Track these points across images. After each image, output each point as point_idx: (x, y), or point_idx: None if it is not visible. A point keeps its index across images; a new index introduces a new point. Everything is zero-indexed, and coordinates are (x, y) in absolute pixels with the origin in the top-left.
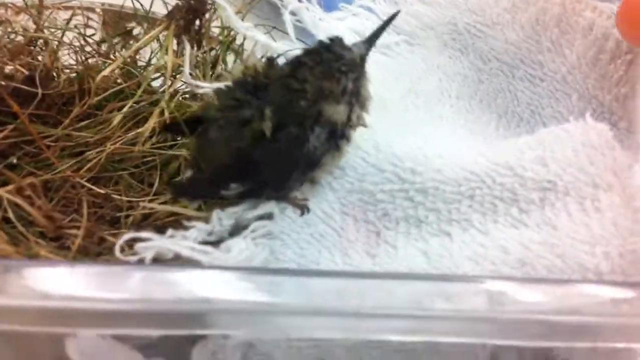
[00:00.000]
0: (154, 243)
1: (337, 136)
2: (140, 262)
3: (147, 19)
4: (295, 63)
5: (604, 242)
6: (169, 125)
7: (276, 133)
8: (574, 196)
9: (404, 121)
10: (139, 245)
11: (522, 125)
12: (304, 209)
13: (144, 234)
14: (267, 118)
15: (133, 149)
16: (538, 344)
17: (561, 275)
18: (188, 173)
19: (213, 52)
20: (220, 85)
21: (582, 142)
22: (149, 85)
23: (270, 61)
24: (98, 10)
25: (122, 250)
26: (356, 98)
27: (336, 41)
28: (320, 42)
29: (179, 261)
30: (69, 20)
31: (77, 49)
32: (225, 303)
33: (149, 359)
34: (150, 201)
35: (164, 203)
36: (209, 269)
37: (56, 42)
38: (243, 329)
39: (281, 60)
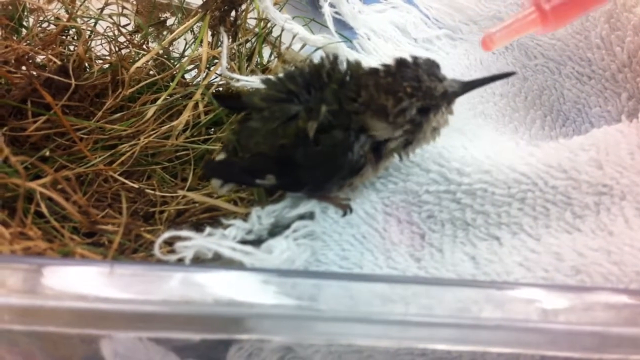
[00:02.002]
0: (194, 242)
1: (380, 151)
2: (180, 261)
3: (182, 9)
4: (372, 70)
5: None
6: (218, 96)
7: (321, 135)
8: (630, 201)
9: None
10: (178, 245)
11: (568, 124)
12: (346, 209)
13: (183, 233)
14: (321, 116)
15: (166, 143)
16: (591, 356)
17: (618, 284)
18: (221, 156)
19: (249, 45)
20: (258, 81)
21: (638, 144)
22: (183, 77)
23: (335, 59)
24: None
25: (159, 247)
26: (416, 129)
27: (427, 63)
28: (410, 59)
29: (219, 261)
30: (102, 10)
31: (110, 39)
32: (265, 308)
33: None
34: (185, 196)
35: None
36: (248, 271)
37: (89, 32)
38: (283, 334)
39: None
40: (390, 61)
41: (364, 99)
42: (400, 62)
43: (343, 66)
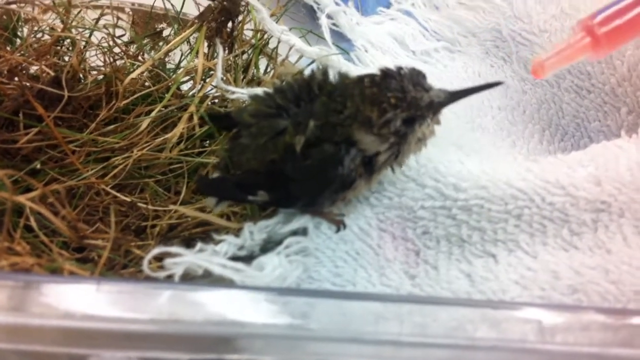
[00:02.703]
0: (183, 259)
1: (372, 165)
2: (169, 278)
3: (178, 20)
4: (356, 80)
5: None
6: (213, 116)
7: (310, 149)
8: (629, 218)
9: (445, 131)
10: (168, 261)
11: (567, 138)
12: (339, 224)
13: (173, 249)
14: (308, 130)
15: (160, 156)
16: None
17: (616, 303)
18: (216, 174)
19: (245, 56)
20: (257, 90)
21: (637, 160)
22: (178, 89)
23: (325, 71)
24: (128, 10)
25: (149, 263)
26: (402, 141)
27: (413, 74)
28: (395, 69)
29: (209, 278)
30: (97, 20)
31: (105, 49)
32: (256, 327)
33: None
34: (178, 210)
35: None
36: (239, 289)
37: (84, 43)
38: (275, 354)
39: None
40: (376, 71)
41: (350, 111)
42: (386, 73)
43: (334, 78)
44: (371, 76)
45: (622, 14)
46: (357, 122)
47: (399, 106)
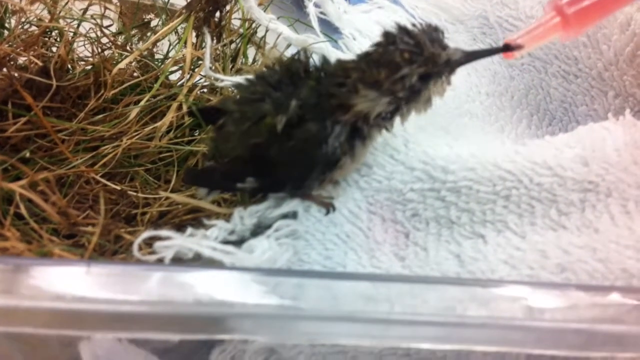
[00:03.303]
0: (173, 242)
1: (358, 136)
2: (159, 261)
3: (166, 10)
4: (360, 55)
5: None
6: (201, 110)
7: (294, 130)
8: (616, 197)
9: (433, 117)
10: (158, 244)
11: (555, 123)
12: (329, 207)
13: (163, 232)
14: (289, 111)
15: (150, 144)
16: (576, 354)
17: (603, 281)
18: (206, 164)
19: (233, 45)
20: (241, 79)
21: (624, 141)
22: (166, 78)
23: (307, 56)
24: (115, 0)
25: (139, 248)
26: (414, 97)
27: (431, 29)
28: (410, 27)
29: (199, 261)
30: (85, 11)
31: (93, 40)
32: (247, 307)
33: None
34: (168, 197)
35: None
36: (229, 270)
37: (72, 33)
38: (265, 334)
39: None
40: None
41: (354, 78)
42: (396, 30)
43: (319, 62)
44: (376, 43)
45: None
46: (361, 84)
47: (415, 61)
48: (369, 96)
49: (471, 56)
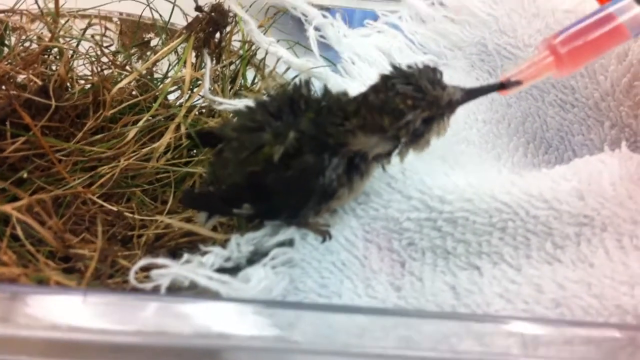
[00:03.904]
0: (169, 270)
1: (356, 170)
2: (155, 289)
3: (166, 30)
4: (360, 97)
5: None
6: (199, 134)
7: (292, 161)
8: (611, 232)
9: (430, 145)
10: (154, 272)
11: (551, 151)
12: (325, 235)
13: (159, 260)
14: (288, 141)
15: (147, 165)
16: None
17: (597, 317)
18: (204, 188)
19: (233, 67)
20: (241, 105)
21: (620, 174)
22: (165, 98)
23: (309, 87)
24: (115, 19)
25: (135, 273)
26: (415, 139)
27: (429, 71)
28: (405, 69)
29: (195, 290)
30: (85, 30)
31: (93, 59)
32: (242, 339)
33: None
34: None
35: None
36: (226, 302)
37: (71, 52)
38: None
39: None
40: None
41: (354, 124)
42: (393, 73)
43: (318, 92)
44: (374, 87)
45: (583, 34)
46: (362, 132)
47: (419, 106)
48: (370, 141)
49: (470, 94)
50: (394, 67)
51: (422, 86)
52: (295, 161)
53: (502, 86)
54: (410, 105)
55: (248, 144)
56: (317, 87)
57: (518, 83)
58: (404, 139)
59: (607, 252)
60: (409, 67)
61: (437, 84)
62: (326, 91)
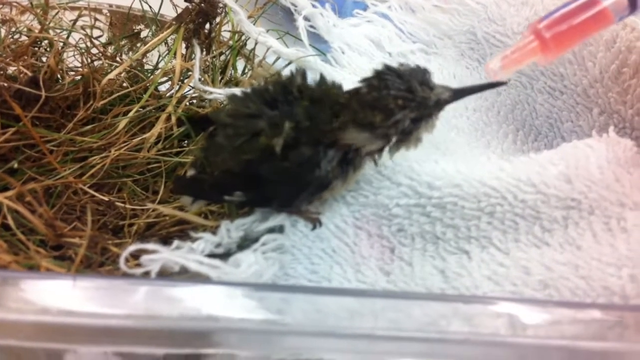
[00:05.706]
0: (160, 255)
1: (350, 163)
2: (145, 275)
3: (156, 22)
4: (352, 91)
5: (631, 263)
6: (191, 119)
7: (287, 151)
8: (599, 215)
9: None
10: (144, 258)
11: (540, 138)
12: (316, 222)
13: (149, 246)
14: (284, 132)
15: (138, 155)
16: None
17: (585, 298)
18: (191, 172)
19: (223, 57)
20: (237, 90)
21: (607, 158)
22: (156, 89)
23: (304, 75)
24: (105, 11)
25: (126, 261)
26: (405, 138)
27: (418, 72)
28: (395, 67)
29: (185, 275)
30: (75, 21)
31: (83, 50)
32: (232, 321)
33: None
34: (156, 209)
35: None
36: (215, 285)
37: (61, 43)
38: (250, 348)
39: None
40: (368, 74)
41: (344, 119)
42: (385, 72)
43: (314, 82)
44: (367, 82)
45: (568, 18)
46: (353, 125)
47: (408, 107)
48: (361, 137)
49: (458, 94)
50: (387, 67)
51: (412, 87)
52: (292, 153)
53: (490, 86)
54: (400, 105)
55: (243, 130)
56: (309, 78)
57: (503, 83)
58: (394, 137)
59: (594, 234)
60: (401, 65)
61: (426, 85)
62: (322, 79)
